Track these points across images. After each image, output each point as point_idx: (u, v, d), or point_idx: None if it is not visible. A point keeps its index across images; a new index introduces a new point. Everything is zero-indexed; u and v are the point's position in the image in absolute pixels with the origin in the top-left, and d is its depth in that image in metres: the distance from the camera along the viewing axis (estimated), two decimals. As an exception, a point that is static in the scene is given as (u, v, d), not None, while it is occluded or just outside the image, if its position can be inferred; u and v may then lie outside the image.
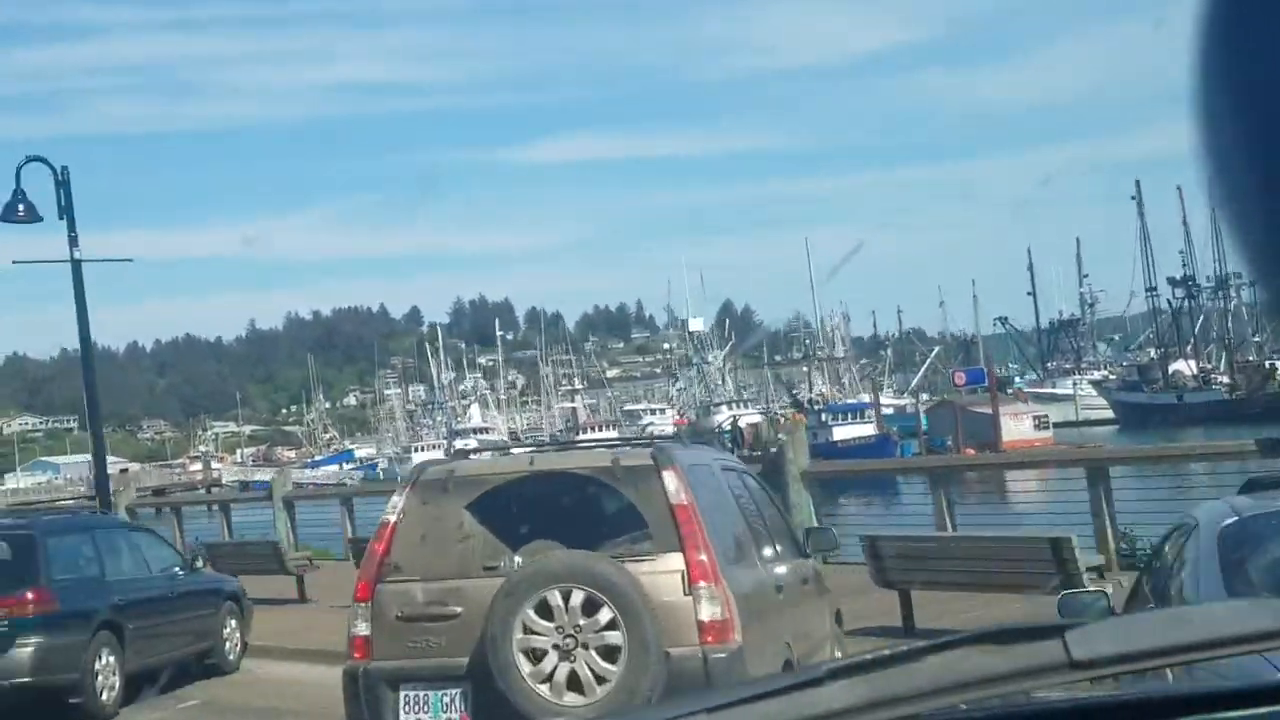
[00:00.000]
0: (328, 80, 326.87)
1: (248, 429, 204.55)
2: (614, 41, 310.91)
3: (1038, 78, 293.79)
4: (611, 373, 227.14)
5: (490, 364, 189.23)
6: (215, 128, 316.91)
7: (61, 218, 20.43)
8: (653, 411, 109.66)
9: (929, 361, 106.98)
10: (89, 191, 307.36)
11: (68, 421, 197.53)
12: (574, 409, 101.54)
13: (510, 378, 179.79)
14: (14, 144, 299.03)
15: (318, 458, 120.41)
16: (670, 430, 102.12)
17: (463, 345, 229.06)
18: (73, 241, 20.47)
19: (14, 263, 21.87)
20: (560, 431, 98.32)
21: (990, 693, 1.53)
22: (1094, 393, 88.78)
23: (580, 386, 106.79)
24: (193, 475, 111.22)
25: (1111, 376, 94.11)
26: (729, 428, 77.35)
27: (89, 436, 22.75)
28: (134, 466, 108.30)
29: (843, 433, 67.63)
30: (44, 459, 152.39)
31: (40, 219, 20.39)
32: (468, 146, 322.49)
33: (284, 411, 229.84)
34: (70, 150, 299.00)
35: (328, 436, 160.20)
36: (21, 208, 20.20)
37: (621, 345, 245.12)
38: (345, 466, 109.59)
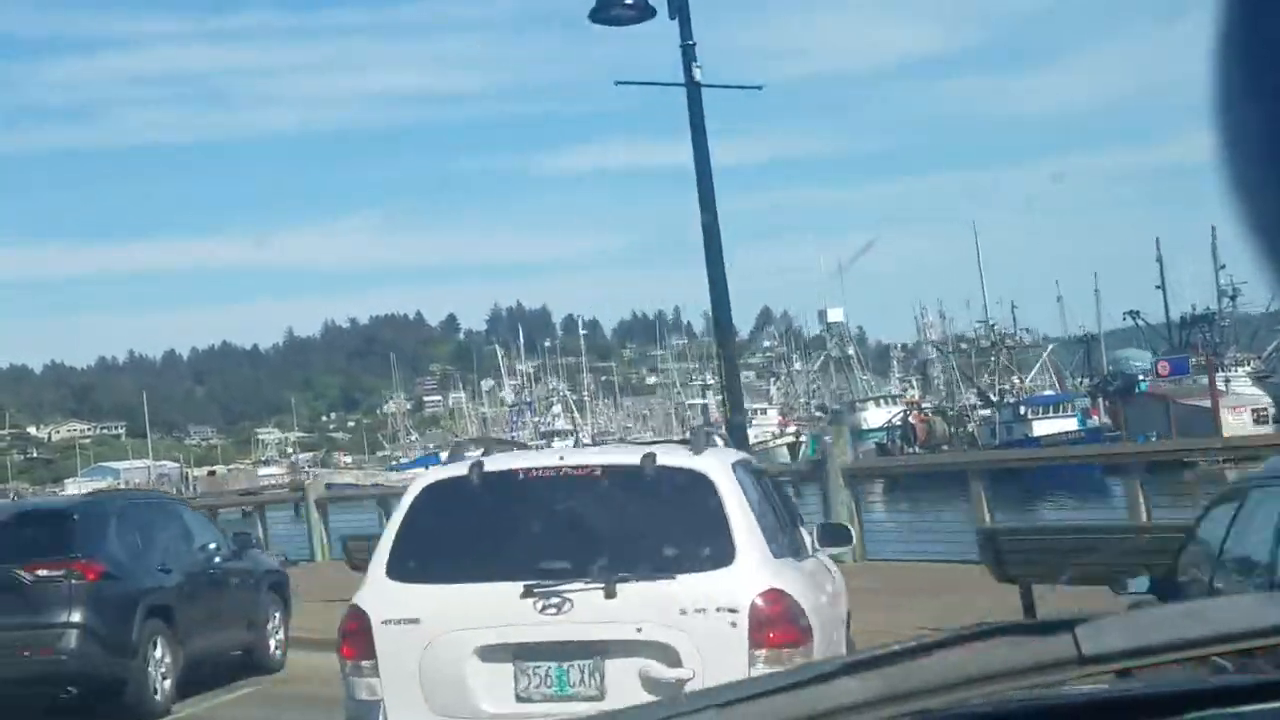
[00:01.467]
0: (363, 89, 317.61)
1: (292, 435, 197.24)
2: (649, 48, 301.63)
3: (1077, 82, 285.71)
4: (650, 379, 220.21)
5: (530, 370, 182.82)
6: (250, 136, 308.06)
7: (673, 17, 12.37)
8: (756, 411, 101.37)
9: (1043, 359, 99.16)
10: (125, 200, 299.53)
11: (115, 427, 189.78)
12: (705, 405, 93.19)
13: (552, 384, 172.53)
14: (55, 154, 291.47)
15: (402, 460, 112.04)
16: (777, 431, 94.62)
17: (500, 351, 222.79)
18: (688, 54, 12.37)
19: (617, 84, 13.97)
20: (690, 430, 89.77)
21: (1001, 687, 1.50)
22: (1251, 389, 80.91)
23: (712, 381, 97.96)
24: (260, 481, 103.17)
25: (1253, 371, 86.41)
26: (898, 424, 69.30)
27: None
28: (220, 469, 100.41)
29: (1045, 427, 59.60)
30: (103, 464, 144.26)
31: (653, 13, 12.29)
32: (504, 153, 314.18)
33: (324, 419, 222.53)
34: (107, 161, 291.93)
35: (413, 438, 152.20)
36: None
37: (661, 352, 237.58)
38: (430, 469, 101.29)
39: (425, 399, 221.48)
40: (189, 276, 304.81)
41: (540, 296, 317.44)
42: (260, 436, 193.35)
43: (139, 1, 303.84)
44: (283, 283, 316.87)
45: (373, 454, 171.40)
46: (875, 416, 76.37)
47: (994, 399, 64.54)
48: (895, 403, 79.71)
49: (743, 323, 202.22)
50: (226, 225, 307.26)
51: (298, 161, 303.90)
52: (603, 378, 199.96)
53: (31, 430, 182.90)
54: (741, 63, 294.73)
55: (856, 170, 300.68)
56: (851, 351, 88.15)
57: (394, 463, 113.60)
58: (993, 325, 72.54)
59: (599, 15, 12.11)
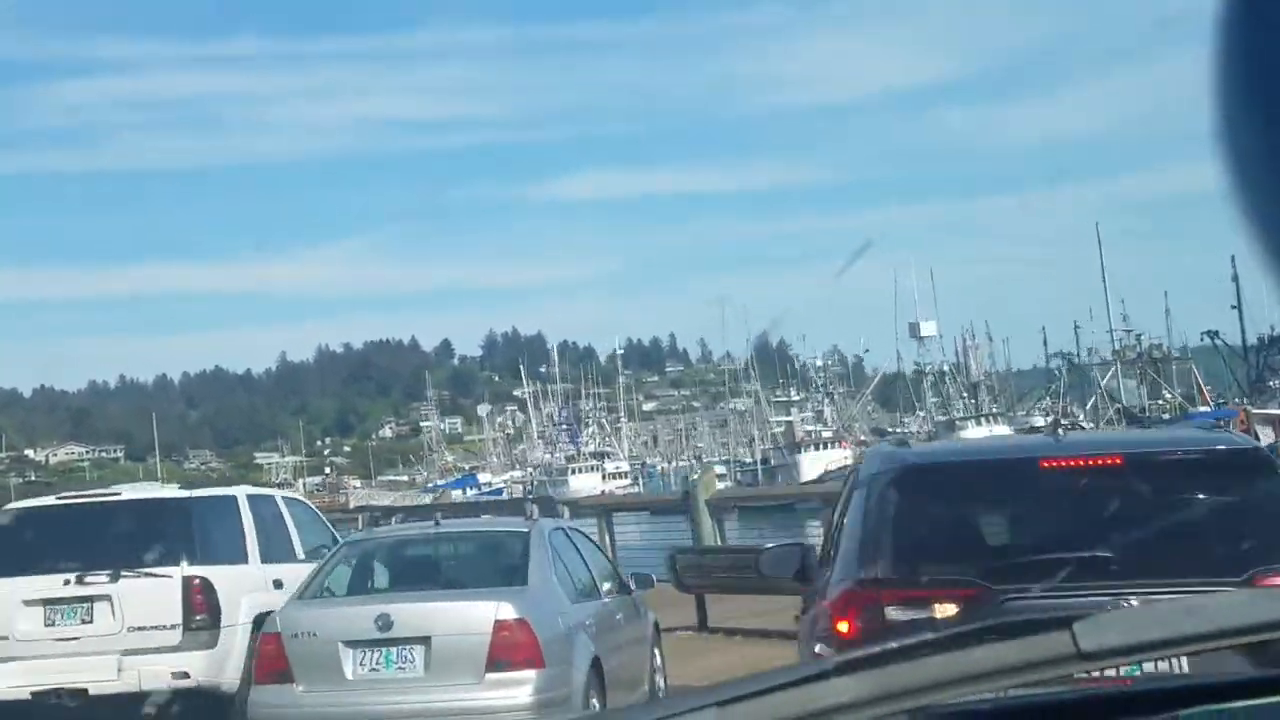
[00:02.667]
0: (360, 116, 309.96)
1: (291, 459, 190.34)
2: (647, 77, 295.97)
3: (1079, 111, 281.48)
4: (648, 406, 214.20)
5: (524, 396, 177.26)
6: (244, 160, 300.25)
7: None
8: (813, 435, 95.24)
9: (1105, 381, 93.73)
10: (119, 225, 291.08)
11: (114, 450, 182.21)
12: (790, 423, 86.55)
13: (547, 409, 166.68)
14: (45, 177, 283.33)
15: (439, 482, 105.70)
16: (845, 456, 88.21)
17: (496, 377, 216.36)
18: None
19: None
20: (773, 450, 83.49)
21: (999, 684, 1.49)
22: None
23: (797, 398, 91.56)
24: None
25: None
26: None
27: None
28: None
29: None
30: (114, 488, 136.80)
31: None
32: (499, 180, 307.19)
33: (318, 443, 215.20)
34: (103, 184, 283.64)
35: (451, 459, 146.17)
36: None
37: (656, 379, 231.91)
38: (470, 491, 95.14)
39: (422, 424, 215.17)
40: (181, 300, 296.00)
41: (535, 322, 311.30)
42: (259, 460, 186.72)
43: (133, 26, 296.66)
44: (276, 308, 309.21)
45: (375, 477, 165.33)
46: (976, 435, 70.47)
47: (1140, 415, 58.76)
48: (997, 420, 73.65)
49: (738, 347, 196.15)
50: (220, 250, 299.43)
51: (291, 186, 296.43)
52: (600, 404, 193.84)
53: (29, 453, 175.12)
54: (733, 92, 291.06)
55: (855, 195, 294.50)
56: (946, 368, 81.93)
57: (430, 484, 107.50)
58: (1139, 336, 66.70)
59: None
